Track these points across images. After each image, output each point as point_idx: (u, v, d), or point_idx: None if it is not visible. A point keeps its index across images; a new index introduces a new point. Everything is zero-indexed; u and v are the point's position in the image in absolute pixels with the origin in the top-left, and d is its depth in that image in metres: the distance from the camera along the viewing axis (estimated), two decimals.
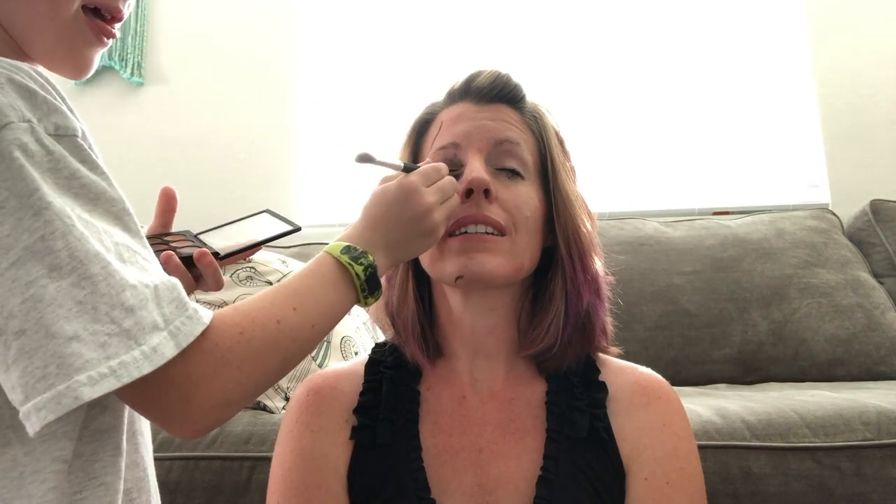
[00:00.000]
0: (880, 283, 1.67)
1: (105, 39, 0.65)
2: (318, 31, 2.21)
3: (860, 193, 1.87)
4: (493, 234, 0.68)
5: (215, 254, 0.70)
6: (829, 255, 1.67)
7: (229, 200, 2.08)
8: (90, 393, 0.42)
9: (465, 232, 0.68)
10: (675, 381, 0.80)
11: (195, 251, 0.69)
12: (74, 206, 0.47)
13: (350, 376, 0.75)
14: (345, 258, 0.61)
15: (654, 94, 2.06)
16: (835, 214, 1.84)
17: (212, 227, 0.78)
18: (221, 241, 0.75)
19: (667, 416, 0.70)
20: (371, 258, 0.62)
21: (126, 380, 0.44)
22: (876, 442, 1.03)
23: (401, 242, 0.65)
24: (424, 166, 0.68)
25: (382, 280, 0.78)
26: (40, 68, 0.61)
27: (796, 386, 1.43)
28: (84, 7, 0.62)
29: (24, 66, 0.51)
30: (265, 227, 0.78)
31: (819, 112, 2.00)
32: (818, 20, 2.03)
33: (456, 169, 0.72)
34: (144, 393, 0.47)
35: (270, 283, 1.36)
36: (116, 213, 0.51)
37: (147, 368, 0.45)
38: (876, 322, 1.56)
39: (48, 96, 0.49)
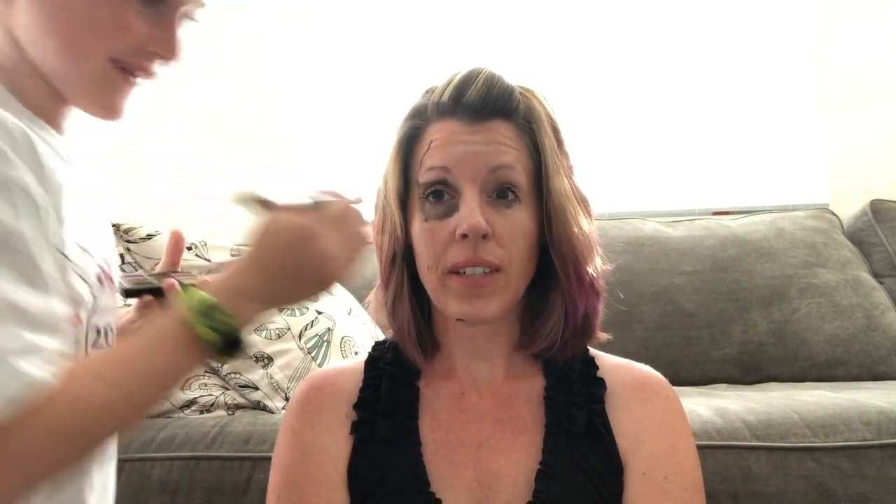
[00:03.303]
0: (880, 283, 1.67)
1: (132, 80, 0.65)
2: (318, 31, 2.21)
3: (860, 193, 1.86)
4: (489, 272, 0.68)
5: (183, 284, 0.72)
6: (829, 255, 1.67)
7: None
8: None
9: (464, 272, 0.68)
10: (675, 381, 0.80)
11: (164, 282, 0.71)
12: None
13: (350, 373, 0.76)
14: (202, 327, 0.53)
15: (654, 93, 2.06)
16: (835, 214, 1.84)
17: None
18: None
19: (665, 413, 0.71)
20: (235, 324, 0.54)
21: None
22: (876, 442, 1.03)
23: (288, 292, 0.59)
24: (330, 201, 0.62)
25: (377, 282, 0.79)
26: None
27: (796, 386, 1.43)
28: (113, 60, 0.63)
29: (10, 121, 0.54)
30: None
31: (819, 112, 2.00)
32: (819, 20, 2.03)
33: (452, 195, 0.70)
34: None
35: None
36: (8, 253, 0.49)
37: None
38: (876, 322, 1.56)
39: (5, 147, 0.52)
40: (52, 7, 0.60)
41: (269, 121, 2.15)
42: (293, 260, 0.58)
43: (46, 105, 0.64)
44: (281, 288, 0.58)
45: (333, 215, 0.61)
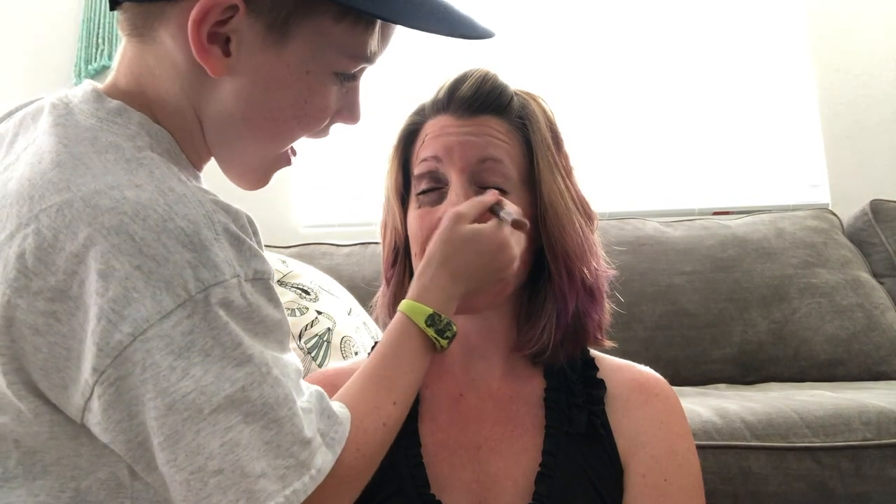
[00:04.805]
0: (880, 283, 1.67)
1: (293, 159, 0.64)
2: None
3: (860, 193, 1.86)
4: None
5: None
6: (829, 255, 1.67)
7: (227, 200, 2.07)
8: None
9: None
10: (675, 381, 0.81)
11: None
12: (266, 349, 0.52)
13: (349, 374, 0.75)
14: (431, 332, 0.63)
15: (654, 93, 2.06)
16: (835, 214, 1.84)
17: None
18: None
19: (665, 414, 0.71)
20: (455, 328, 0.65)
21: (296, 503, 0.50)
22: (876, 442, 1.04)
23: (478, 288, 0.67)
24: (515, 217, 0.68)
25: (382, 280, 0.79)
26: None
27: (796, 386, 1.43)
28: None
29: (233, 207, 0.54)
30: None
31: (819, 112, 2.00)
32: (818, 20, 2.03)
33: (441, 185, 0.71)
34: None
35: None
36: (281, 338, 0.55)
37: (311, 488, 0.51)
38: (876, 322, 1.56)
39: (251, 241, 0.53)
40: (265, 99, 0.57)
41: None
42: (487, 262, 0.66)
43: (199, 154, 0.61)
44: (471, 286, 0.66)
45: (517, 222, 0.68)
